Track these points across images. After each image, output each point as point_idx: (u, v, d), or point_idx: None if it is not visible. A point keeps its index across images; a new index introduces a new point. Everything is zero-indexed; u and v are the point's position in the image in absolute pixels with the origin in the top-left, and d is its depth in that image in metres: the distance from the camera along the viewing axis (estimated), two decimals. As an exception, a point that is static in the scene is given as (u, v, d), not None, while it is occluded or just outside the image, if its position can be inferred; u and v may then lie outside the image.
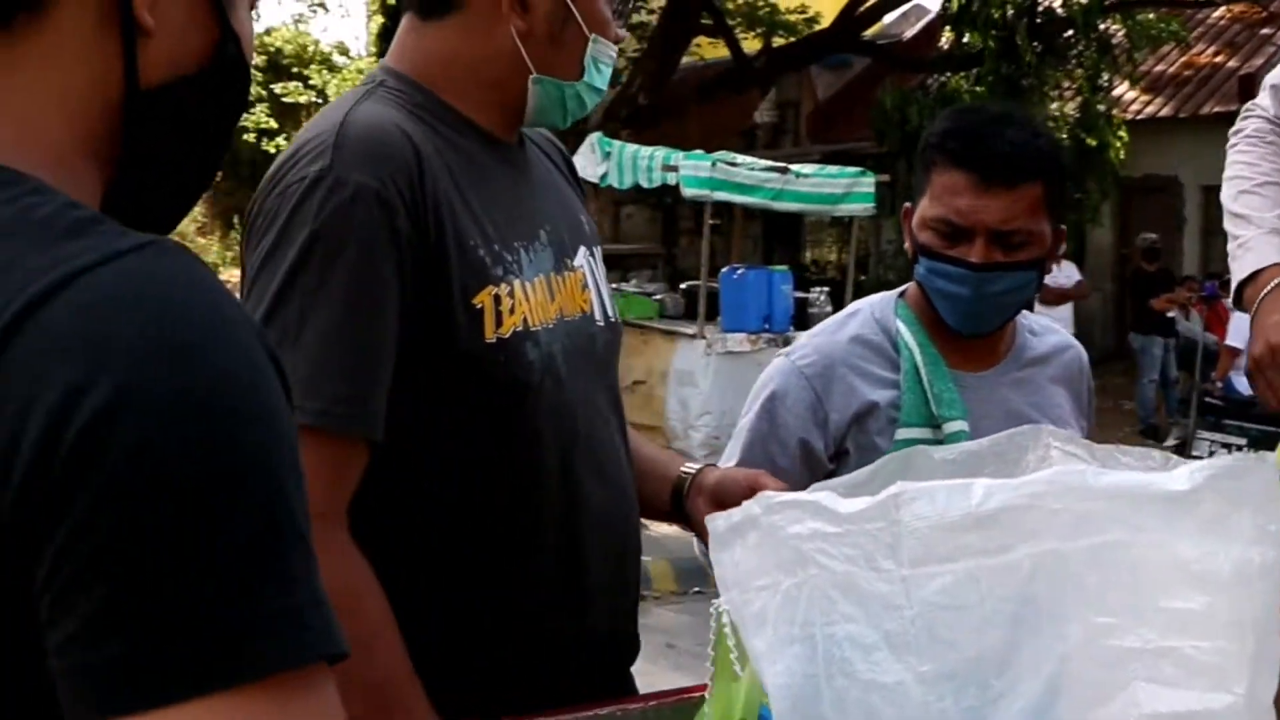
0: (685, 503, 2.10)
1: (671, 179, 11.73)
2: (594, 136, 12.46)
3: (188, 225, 25.91)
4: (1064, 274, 13.67)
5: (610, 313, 2.10)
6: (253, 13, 1.13)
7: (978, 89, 15.53)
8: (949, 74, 16.44)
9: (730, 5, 19.88)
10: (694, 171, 11.59)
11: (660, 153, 12.00)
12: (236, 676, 0.81)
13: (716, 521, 1.32)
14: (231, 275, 25.48)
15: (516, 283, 1.87)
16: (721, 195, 11.74)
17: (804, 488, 2.41)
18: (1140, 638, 1.17)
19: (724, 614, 1.33)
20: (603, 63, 1.99)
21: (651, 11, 18.33)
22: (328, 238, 1.72)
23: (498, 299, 1.83)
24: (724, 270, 12.24)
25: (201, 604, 0.81)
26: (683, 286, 13.56)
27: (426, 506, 1.87)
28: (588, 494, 1.94)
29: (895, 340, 2.41)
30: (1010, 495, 1.17)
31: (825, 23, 18.77)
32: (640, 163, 12.04)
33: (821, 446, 2.37)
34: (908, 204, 2.40)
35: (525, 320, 1.86)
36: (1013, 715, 1.17)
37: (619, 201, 18.70)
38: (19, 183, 0.92)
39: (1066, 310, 13.62)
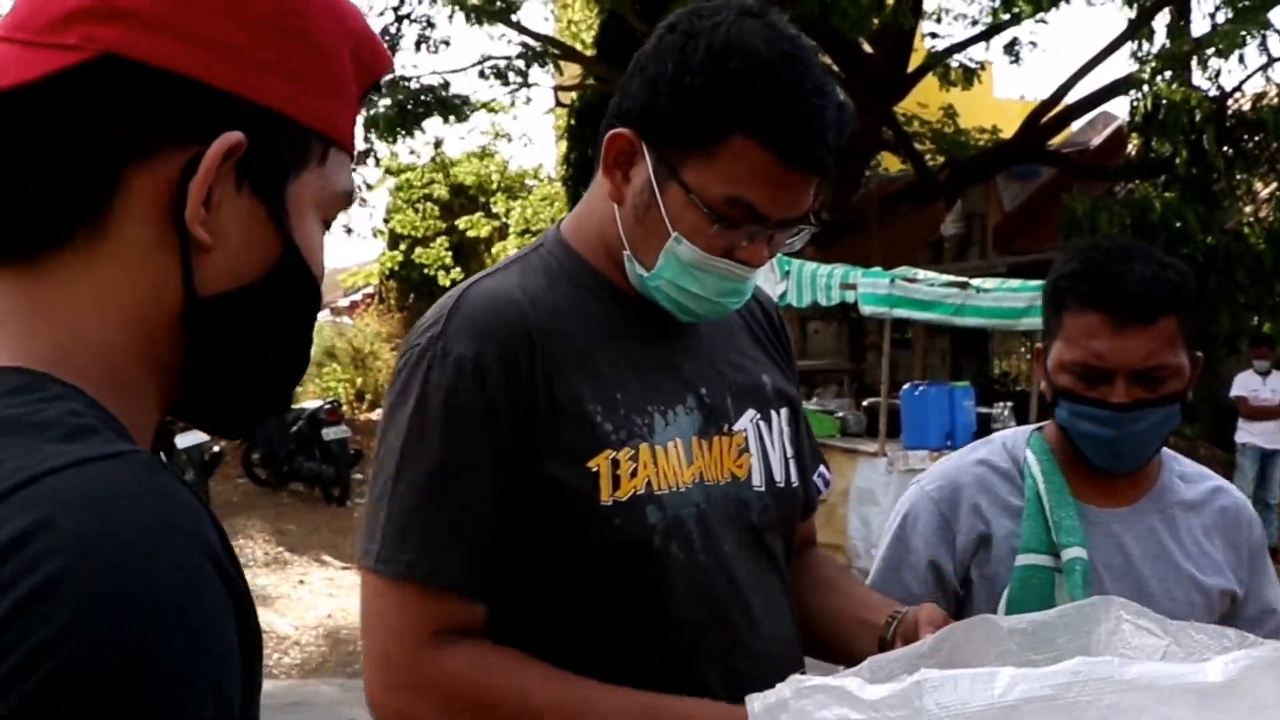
0: (889, 649, 1.97)
1: (850, 296, 11.70)
2: (774, 255, 12.45)
3: (382, 346, 26.48)
4: (1269, 387, 13.13)
5: (779, 477, 2.04)
6: (326, 226, 1.16)
7: (1167, 195, 15.20)
8: (1137, 181, 16.12)
9: (917, 126, 19.84)
10: (872, 289, 11.56)
11: (839, 270, 11.99)
12: None
13: (754, 702, 1.31)
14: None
15: (643, 446, 1.85)
16: (901, 312, 11.66)
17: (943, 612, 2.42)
18: (1180, 834, 1.12)
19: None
20: (703, 269, 1.84)
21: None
22: (426, 403, 1.80)
23: (615, 463, 1.83)
24: (905, 387, 12.13)
25: None
26: (865, 403, 13.45)
27: (563, 665, 1.83)
28: (735, 664, 1.90)
29: (1022, 469, 2.40)
30: (1034, 686, 1.14)
31: (1009, 135, 18.64)
32: (819, 280, 12.04)
33: (951, 568, 2.38)
34: (1039, 345, 2.40)
35: (649, 484, 1.85)
36: None
37: (805, 317, 18.65)
38: (40, 388, 0.96)
39: (1271, 425, 13.04)
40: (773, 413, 2.07)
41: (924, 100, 19.26)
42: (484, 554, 1.80)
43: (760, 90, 1.75)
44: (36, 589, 0.82)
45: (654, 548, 1.84)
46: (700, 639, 1.88)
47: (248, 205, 1.05)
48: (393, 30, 18.11)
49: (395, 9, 18.20)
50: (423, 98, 17.73)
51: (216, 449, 14.89)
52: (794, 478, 2.08)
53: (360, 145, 18.14)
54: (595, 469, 1.81)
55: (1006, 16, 16.93)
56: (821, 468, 2.18)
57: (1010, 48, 18.12)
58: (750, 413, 2.03)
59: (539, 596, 1.85)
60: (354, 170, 1.12)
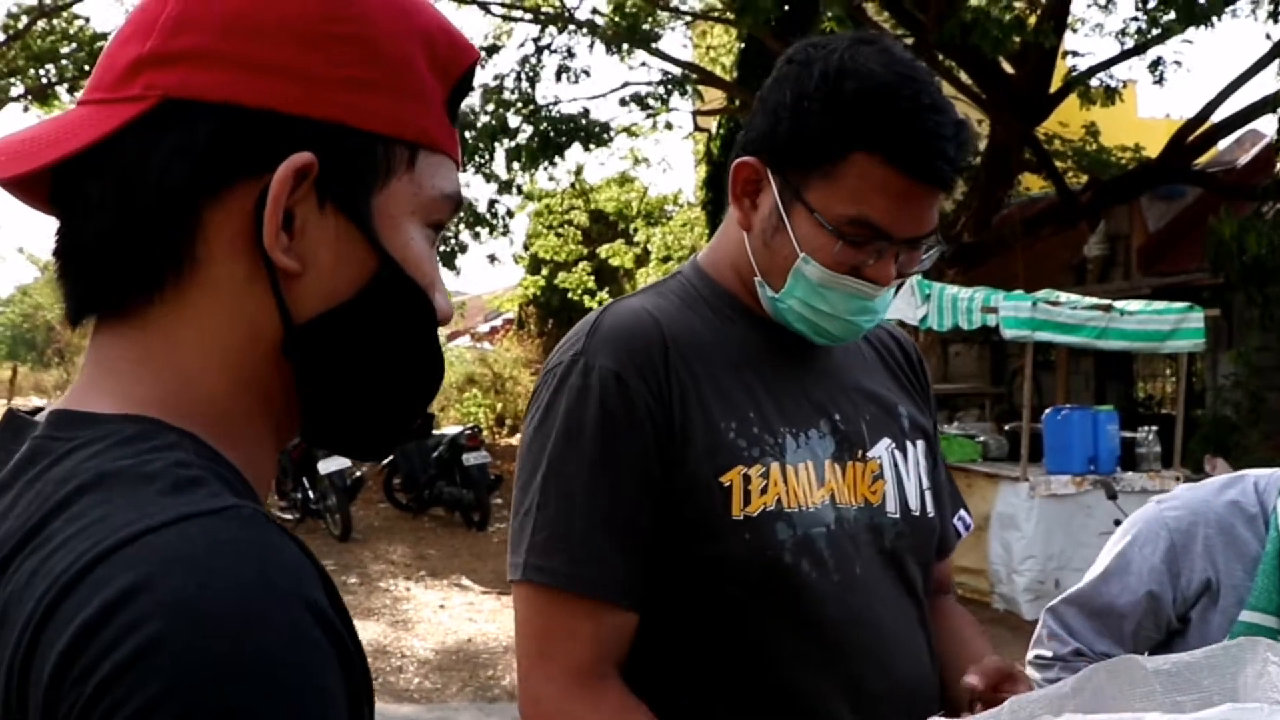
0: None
1: (991, 320, 11.52)
2: (914, 279, 12.33)
3: (522, 371, 26.65)
4: None
5: (914, 505, 2.06)
6: (439, 233, 1.14)
7: (1317, 215, 14.76)
8: (1286, 201, 15.68)
9: (1058, 145, 19.52)
10: (1014, 312, 11.36)
11: (980, 293, 11.82)
12: None
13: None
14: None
15: (774, 465, 1.90)
16: (1043, 335, 11.45)
17: (1144, 636, 2.36)
18: None
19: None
20: (830, 288, 1.89)
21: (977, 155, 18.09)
22: (571, 415, 1.87)
23: (747, 478, 1.87)
24: (1048, 411, 11.92)
25: None
26: (1007, 428, 13.24)
27: (693, 680, 1.89)
28: (868, 684, 1.92)
29: (1269, 517, 2.29)
30: (1178, 732, 1.11)
31: (1153, 154, 18.25)
32: (960, 304, 11.88)
33: (1170, 599, 2.31)
34: None
35: (779, 501, 1.89)
36: None
37: (946, 341, 18.44)
38: (154, 436, 0.97)
39: None
40: (909, 443, 2.10)
41: (1065, 119, 18.95)
42: (639, 561, 1.85)
43: (877, 107, 1.81)
44: (137, 651, 0.83)
45: (785, 564, 1.88)
46: (832, 655, 1.90)
47: (334, 224, 1.04)
48: (533, 61, 18.30)
49: (535, 40, 18.39)
50: (563, 127, 17.87)
51: (358, 474, 15.11)
52: (929, 508, 2.09)
53: (503, 175, 18.36)
54: (728, 483, 1.87)
55: (1156, 32, 16.58)
56: (963, 512, 2.16)
57: (1154, 67, 17.75)
58: (885, 441, 2.06)
59: (672, 608, 1.88)
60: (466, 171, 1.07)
